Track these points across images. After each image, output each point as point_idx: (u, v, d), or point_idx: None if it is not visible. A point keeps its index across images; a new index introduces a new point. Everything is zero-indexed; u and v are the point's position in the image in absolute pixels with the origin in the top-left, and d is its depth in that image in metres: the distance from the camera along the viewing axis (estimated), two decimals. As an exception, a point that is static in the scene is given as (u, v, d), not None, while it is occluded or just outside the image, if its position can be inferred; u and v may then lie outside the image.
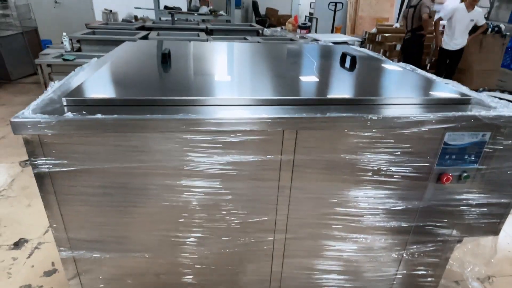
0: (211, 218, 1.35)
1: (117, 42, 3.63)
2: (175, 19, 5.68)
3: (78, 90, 1.25)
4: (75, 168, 1.14)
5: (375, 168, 1.33)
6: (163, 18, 6.25)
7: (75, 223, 1.26)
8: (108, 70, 1.54)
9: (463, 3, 5.24)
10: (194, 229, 1.36)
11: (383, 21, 8.58)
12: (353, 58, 1.85)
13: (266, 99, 1.28)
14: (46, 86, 4.29)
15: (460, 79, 5.15)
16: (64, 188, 1.18)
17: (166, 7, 6.85)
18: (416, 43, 5.66)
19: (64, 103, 1.16)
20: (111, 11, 7.23)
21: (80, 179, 1.18)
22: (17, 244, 2.42)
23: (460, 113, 1.24)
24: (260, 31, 5.28)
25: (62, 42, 4.43)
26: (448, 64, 5.61)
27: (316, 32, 8.06)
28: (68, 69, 1.73)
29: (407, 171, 1.36)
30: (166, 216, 1.32)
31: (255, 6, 11.01)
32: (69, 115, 1.06)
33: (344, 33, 9.02)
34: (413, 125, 1.24)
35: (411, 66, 1.94)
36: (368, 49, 6.67)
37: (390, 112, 1.26)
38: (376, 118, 1.20)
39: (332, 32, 8.45)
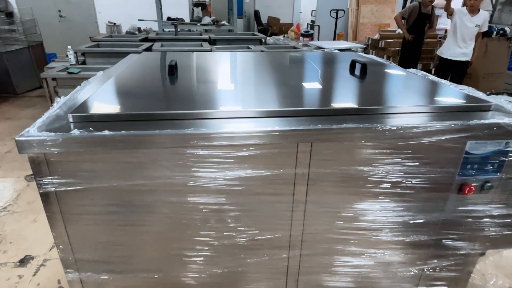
0: (222, 235, 1.29)
1: (122, 54, 3.63)
2: (178, 30, 5.70)
3: (84, 105, 1.21)
4: (82, 186, 1.10)
5: (394, 180, 1.28)
6: (166, 29, 6.28)
7: (82, 243, 1.21)
8: (114, 84, 1.51)
9: (464, 7, 4.58)
10: (204, 247, 1.30)
11: (385, 27, 8.58)
12: (364, 66, 1.80)
13: (278, 111, 1.23)
14: (51, 100, 4.31)
15: (466, 83, 5.02)
16: (71, 208, 1.14)
17: (169, 18, 6.89)
18: (409, 44, 5.55)
19: (70, 120, 1.12)
20: (114, 23, 7.30)
21: (87, 197, 1.13)
22: (23, 261, 2.37)
23: (482, 121, 1.19)
24: (263, 40, 5.27)
25: (67, 56, 4.45)
26: (451, 78, 4.72)
27: (318, 39, 8.06)
28: (73, 82, 1.71)
29: (427, 182, 1.30)
30: (176, 234, 1.27)
31: (257, 15, 11.08)
32: (75, 132, 1.02)
33: (346, 40, 9.02)
34: (432, 134, 1.19)
35: (422, 72, 1.89)
36: (372, 55, 6.63)
37: (407, 121, 1.21)
38: (394, 128, 1.15)
39: (334, 39, 8.46)
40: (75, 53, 4.50)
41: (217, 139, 1.09)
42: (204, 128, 1.10)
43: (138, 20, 6.77)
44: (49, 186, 1.07)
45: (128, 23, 7.17)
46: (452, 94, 1.49)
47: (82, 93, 1.41)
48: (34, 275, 2.22)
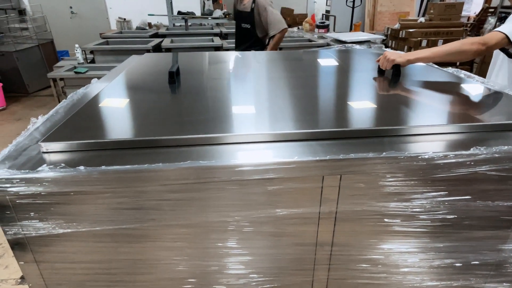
0: (233, 282, 1.07)
1: (130, 52, 3.46)
2: (189, 24, 5.48)
3: (61, 130, 1.00)
4: (57, 232, 0.90)
5: (440, 217, 1.02)
6: (176, 24, 6.08)
7: (64, 294, 1.01)
8: (99, 100, 1.28)
9: None
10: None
11: (405, 16, 8.10)
12: (397, 67, 1.53)
13: (298, 133, 0.99)
14: (59, 100, 4.19)
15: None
16: (47, 256, 0.94)
17: (179, 13, 6.65)
18: None
19: (42, 150, 0.91)
20: (125, 19, 7.13)
21: (66, 244, 0.93)
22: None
23: None
24: (277, 33, 4.98)
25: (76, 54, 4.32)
26: None
27: (334, 30, 7.67)
28: (81, 82, 1.53)
29: (485, 217, 1.04)
30: (177, 283, 1.06)
31: (270, 6, 10.70)
32: (43, 169, 0.81)
33: (363, 30, 8.59)
34: (499, 161, 0.92)
35: (464, 72, 1.60)
36: (391, 46, 6.25)
37: (467, 143, 0.95)
38: (453, 154, 0.89)
39: (350, 29, 8.05)
40: (83, 51, 4.36)
41: (222, 174, 0.87)
42: (204, 156, 0.88)
43: (148, 15, 6.58)
44: (18, 232, 0.88)
45: (139, 18, 7.00)
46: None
47: (63, 112, 1.20)
48: (34, 294, 2.09)
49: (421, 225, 1.03)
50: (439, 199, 0.99)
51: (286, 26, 3.02)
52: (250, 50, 2.86)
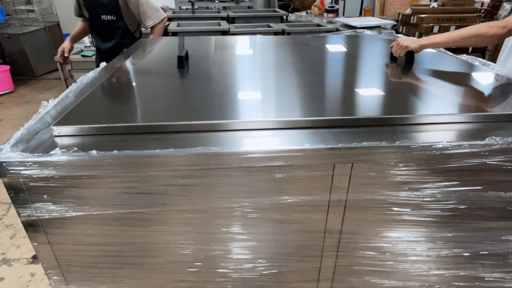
0: (241, 267, 1.09)
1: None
2: (196, 7, 5.39)
3: (72, 114, 1.00)
4: (70, 214, 0.91)
5: (451, 207, 1.02)
6: (183, 7, 5.98)
7: (76, 275, 1.04)
8: (111, 83, 1.28)
9: None
10: (224, 278, 1.11)
11: (417, 1, 7.87)
12: (410, 54, 1.49)
13: (309, 120, 0.98)
14: (66, 84, 4.19)
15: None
16: (60, 238, 0.96)
17: (186, -5, 6.54)
18: None
19: (54, 133, 0.91)
20: (131, 1, 7.01)
21: (78, 226, 0.95)
22: (36, 258, 2.30)
23: None
24: (284, 17, 4.90)
25: (82, 37, 4.28)
26: None
27: (343, 14, 7.50)
28: (88, 66, 1.53)
29: (496, 208, 1.03)
30: (186, 266, 1.07)
31: (277, -11, 10.45)
32: (56, 153, 0.82)
33: (373, 15, 8.38)
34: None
35: (479, 59, 1.56)
36: (402, 32, 6.10)
37: (482, 133, 0.93)
38: (467, 144, 0.88)
39: (360, 14, 7.85)
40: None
41: (233, 160, 0.87)
42: (216, 144, 0.87)
43: (154, -3, 6.48)
44: (32, 214, 0.89)
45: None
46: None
47: (73, 96, 1.20)
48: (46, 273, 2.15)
49: (431, 214, 1.03)
50: (450, 189, 0.98)
51: (165, 15, 2.51)
52: (120, 48, 2.17)
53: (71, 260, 1.01)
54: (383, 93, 1.18)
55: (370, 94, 1.16)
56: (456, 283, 1.20)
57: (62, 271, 1.02)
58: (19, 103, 4.84)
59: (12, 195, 0.86)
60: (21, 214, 0.89)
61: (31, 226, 0.92)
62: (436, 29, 5.75)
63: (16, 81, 5.37)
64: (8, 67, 5.10)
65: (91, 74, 1.39)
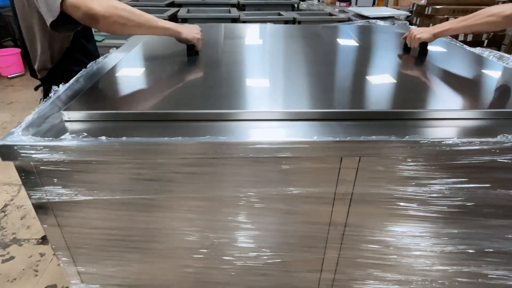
0: (246, 256, 1.10)
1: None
2: (205, -7, 5.32)
3: (81, 100, 1.01)
4: (79, 198, 0.93)
5: (458, 203, 1.01)
6: (193, -7, 5.90)
7: (85, 257, 1.07)
8: (122, 69, 1.28)
9: None
10: (228, 266, 1.13)
11: (432, -10, 7.65)
12: (424, 45, 1.45)
13: (317, 112, 0.97)
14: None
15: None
16: (69, 220, 0.98)
17: (196, -20, 6.45)
18: None
19: (64, 118, 0.92)
20: (140, -14, 6.95)
21: (87, 210, 0.97)
22: (45, 238, 2.36)
23: None
24: (296, 5, 4.81)
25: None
26: None
27: (356, 4, 7.34)
28: (100, 51, 1.52)
29: (504, 206, 1.02)
30: (192, 253, 1.09)
31: (289, -24, 10.25)
32: (66, 137, 0.83)
33: (387, 5, 8.19)
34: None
35: (497, 52, 1.52)
36: (416, 23, 5.97)
37: (493, 130, 0.92)
38: (478, 141, 0.87)
39: (373, 4, 7.68)
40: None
41: (240, 150, 0.87)
42: (224, 133, 0.88)
43: (164, -18, 6.40)
44: (42, 197, 0.91)
45: (154, -14, 6.81)
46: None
47: (83, 81, 1.20)
48: (55, 254, 2.21)
49: (437, 210, 1.02)
50: (458, 185, 0.98)
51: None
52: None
53: (80, 243, 1.04)
54: (393, 85, 1.16)
55: (380, 88, 1.14)
56: (459, 279, 1.20)
57: (71, 252, 1.04)
58: (30, 86, 4.88)
59: (23, 177, 0.88)
60: (31, 197, 0.91)
61: (41, 208, 0.94)
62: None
63: (27, 64, 5.39)
64: (18, 50, 5.12)
65: (101, 59, 1.39)
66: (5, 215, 2.49)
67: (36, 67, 1.34)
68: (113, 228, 1.02)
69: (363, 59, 1.49)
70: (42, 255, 2.21)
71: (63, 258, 1.05)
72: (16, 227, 2.39)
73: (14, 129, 0.87)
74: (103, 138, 0.82)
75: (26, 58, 1.39)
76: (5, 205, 2.58)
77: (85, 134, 0.83)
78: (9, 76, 5.03)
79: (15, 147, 0.81)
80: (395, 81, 1.20)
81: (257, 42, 1.77)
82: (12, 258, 2.16)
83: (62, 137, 0.83)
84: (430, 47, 1.52)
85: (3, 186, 2.77)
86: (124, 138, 0.83)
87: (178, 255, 1.10)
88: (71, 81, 1.18)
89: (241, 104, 1.02)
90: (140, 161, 0.89)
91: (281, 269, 1.15)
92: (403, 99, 1.10)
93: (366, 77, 1.23)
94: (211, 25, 2.15)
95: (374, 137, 0.86)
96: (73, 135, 0.83)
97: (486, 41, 5.71)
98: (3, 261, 2.12)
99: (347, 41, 1.76)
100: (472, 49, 1.63)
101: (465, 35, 5.18)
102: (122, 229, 1.03)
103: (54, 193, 0.91)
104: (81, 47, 1.36)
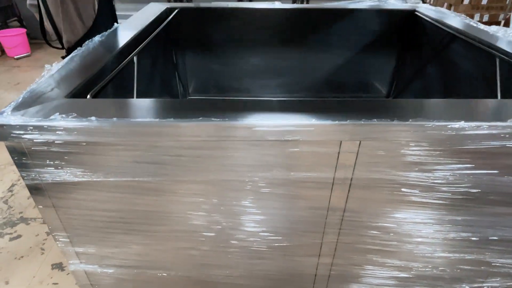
0: (244, 239, 1.09)
1: None
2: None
3: (74, 77, 0.98)
4: (72, 180, 0.92)
5: (462, 190, 0.97)
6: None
7: (82, 237, 1.07)
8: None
9: None
10: (227, 249, 1.12)
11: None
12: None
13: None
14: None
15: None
16: (64, 202, 0.97)
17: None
18: None
19: (56, 98, 0.90)
20: (145, -37, 6.78)
21: (81, 192, 0.96)
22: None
23: None
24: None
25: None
26: None
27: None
28: None
29: (510, 193, 0.98)
30: (191, 235, 1.08)
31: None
32: (56, 118, 0.80)
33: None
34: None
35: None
36: (429, 2, 5.72)
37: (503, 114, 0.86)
38: (487, 125, 0.82)
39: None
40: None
41: (240, 132, 0.84)
42: (223, 116, 0.84)
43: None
44: (35, 178, 0.90)
45: (159, -37, 6.64)
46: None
47: (78, 60, 1.17)
48: (52, 234, 2.25)
49: (441, 197, 0.99)
50: (463, 171, 0.93)
51: None
52: None
53: (76, 224, 1.04)
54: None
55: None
56: (461, 267, 1.17)
57: (67, 233, 1.04)
58: (36, 67, 4.88)
59: (15, 158, 0.87)
60: (25, 178, 0.90)
61: (35, 189, 0.93)
62: (466, 0, 5.33)
63: (33, 44, 5.38)
64: (24, 30, 5.10)
65: (97, 38, 1.35)
66: (12, 195, 2.53)
67: (65, 39, 1.63)
68: (110, 210, 1.01)
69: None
70: (48, 234, 2.26)
71: (60, 239, 1.06)
72: (23, 206, 2.44)
73: (4, 109, 0.85)
74: (93, 118, 0.80)
75: (55, 30, 1.63)
76: (13, 185, 2.62)
77: (74, 114, 0.81)
78: (15, 57, 5.03)
79: (5, 127, 0.80)
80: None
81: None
82: (19, 236, 2.20)
83: (52, 117, 0.81)
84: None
85: (10, 166, 2.80)
86: (114, 118, 0.81)
87: (176, 238, 1.10)
88: (66, 59, 1.15)
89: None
90: (133, 143, 0.87)
91: (280, 253, 1.14)
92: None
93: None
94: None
95: (375, 120, 0.82)
96: (62, 115, 0.81)
97: (502, 22, 5.45)
98: (11, 239, 2.17)
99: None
100: (487, 28, 1.54)
101: (481, 15, 4.94)
102: (120, 211, 1.02)
103: (47, 174, 0.90)
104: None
